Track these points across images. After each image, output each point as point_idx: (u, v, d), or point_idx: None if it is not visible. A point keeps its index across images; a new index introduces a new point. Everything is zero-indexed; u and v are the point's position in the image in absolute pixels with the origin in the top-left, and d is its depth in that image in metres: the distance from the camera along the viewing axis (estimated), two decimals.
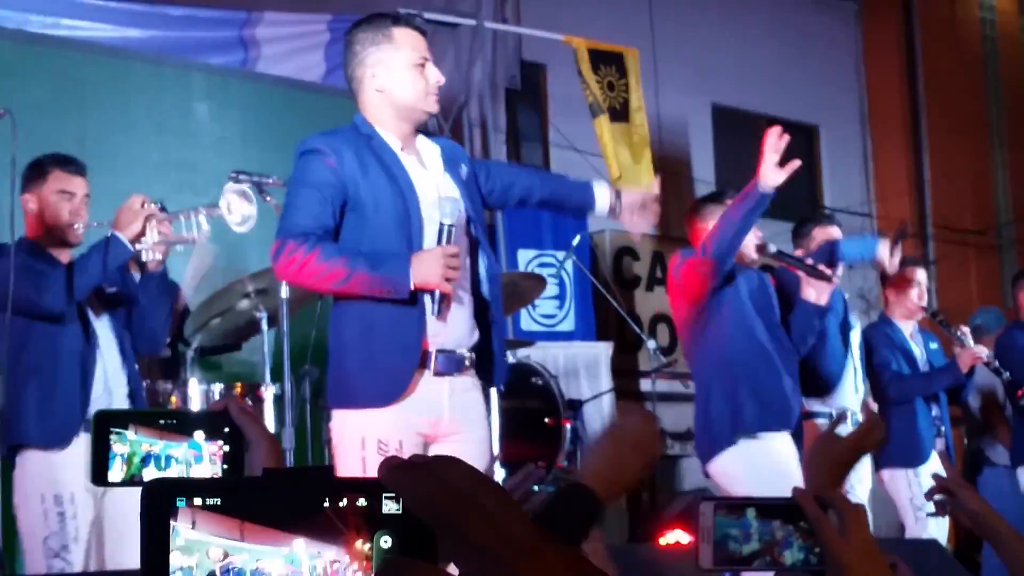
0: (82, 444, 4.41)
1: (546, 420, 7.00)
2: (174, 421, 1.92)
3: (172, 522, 1.16)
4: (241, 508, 1.18)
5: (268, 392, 5.59)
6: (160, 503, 1.17)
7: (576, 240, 7.97)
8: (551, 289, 8.32)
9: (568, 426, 7.03)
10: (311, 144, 3.74)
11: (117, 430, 1.89)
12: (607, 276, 9.52)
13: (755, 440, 4.98)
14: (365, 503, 1.19)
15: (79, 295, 4.51)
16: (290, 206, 3.72)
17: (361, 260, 3.58)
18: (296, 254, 3.58)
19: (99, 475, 1.90)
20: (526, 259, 9.15)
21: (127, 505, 4.48)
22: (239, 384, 5.88)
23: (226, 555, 1.17)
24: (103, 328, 4.73)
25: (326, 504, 1.19)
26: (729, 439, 4.96)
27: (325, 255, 3.58)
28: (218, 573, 1.17)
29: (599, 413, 8.59)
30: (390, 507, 1.19)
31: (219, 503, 1.18)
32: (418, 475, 1.16)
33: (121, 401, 4.64)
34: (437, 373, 3.66)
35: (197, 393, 5.47)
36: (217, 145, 7.31)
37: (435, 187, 3.75)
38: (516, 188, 4.03)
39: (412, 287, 3.54)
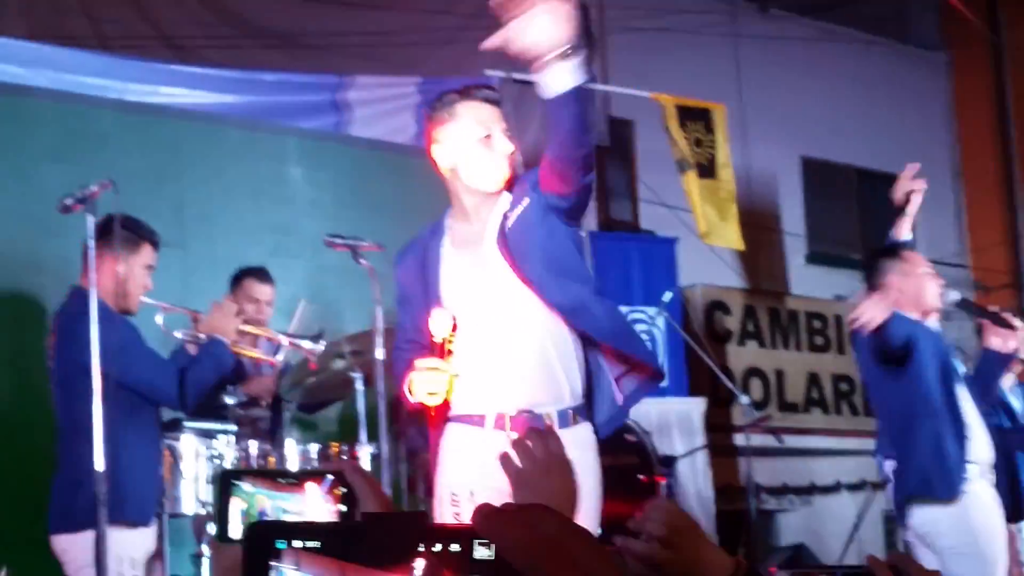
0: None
1: (640, 477, 6.98)
2: (292, 479, 1.98)
3: (275, 563, 1.21)
4: (340, 550, 1.23)
5: (364, 451, 5.65)
6: (262, 544, 1.22)
7: (668, 296, 7.99)
8: None
9: (663, 483, 7.00)
10: (401, 250, 3.95)
11: (236, 483, 1.95)
12: (699, 331, 9.50)
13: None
14: (458, 548, 1.23)
15: (191, 402, 4.65)
16: (398, 316, 3.96)
17: None
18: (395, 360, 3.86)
19: (223, 533, 1.94)
20: None
21: None
22: (335, 444, 5.93)
23: None
24: None
25: (421, 548, 1.22)
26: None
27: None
28: None
29: (692, 469, 8.55)
30: (482, 553, 1.22)
31: (319, 546, 1.23)
32: (510, 522, 1.20)
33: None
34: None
35: (295, 453, 5.53)
36: (311, 208, 7.42)
37: (470, 283, 3.75)
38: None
39: None
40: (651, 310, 8.80)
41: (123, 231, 4.71)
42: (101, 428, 4.15)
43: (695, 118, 9.25)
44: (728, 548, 7.35)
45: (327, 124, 8.14)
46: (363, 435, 5.77)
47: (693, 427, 8.69)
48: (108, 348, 4.24)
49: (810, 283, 11.49)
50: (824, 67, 12.13)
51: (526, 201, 3.70)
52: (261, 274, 6.04)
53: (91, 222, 4.12)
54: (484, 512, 1.21)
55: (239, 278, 5.99)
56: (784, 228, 11.66)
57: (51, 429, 4.73)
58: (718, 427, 9.32)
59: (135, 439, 4.61)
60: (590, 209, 10.07)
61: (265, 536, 1.23)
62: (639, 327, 8.59)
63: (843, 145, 12.15)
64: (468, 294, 3.71)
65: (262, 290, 5.99)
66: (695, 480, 8.56)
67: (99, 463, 4.13)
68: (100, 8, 8.71)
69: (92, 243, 4.12)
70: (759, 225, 11.04)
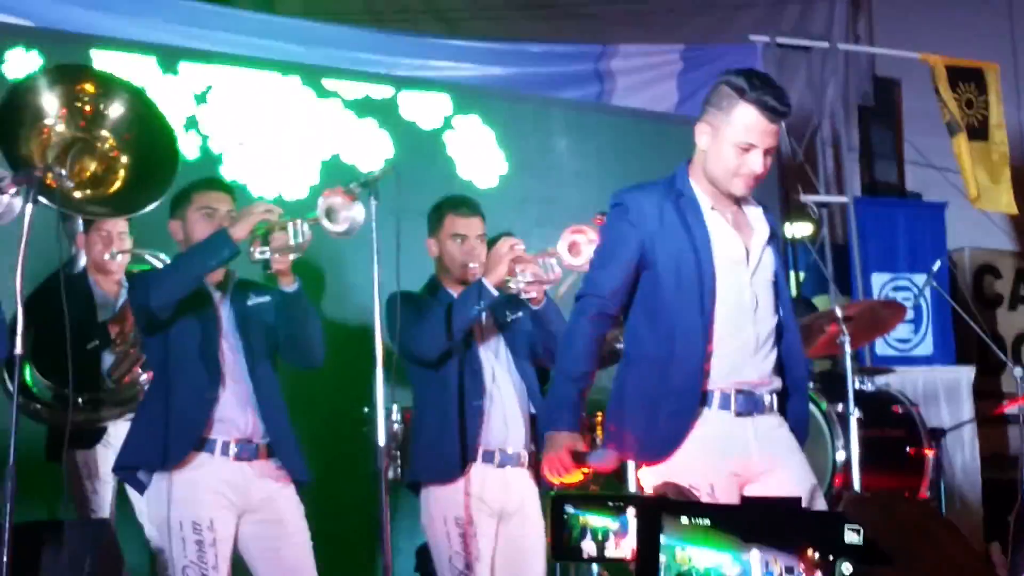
0: (478, 472, 4.72)
1: (907, 450, 6.88)
2: (618, 504, 2.13)
3: (663, 536, 1.38)
4: (727, 528, 1.37)
5: None
6: (652, 520, 1.38)
7: (937, 265, 7.79)
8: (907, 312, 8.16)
9: (930, 456, 6.89)
10: (618, 199, 3.88)
11: (565, 507, 2.13)
12: (967, 296, 9.25)
13: None
14: (828, 532, 1.33)
15: (445, 345, 4.75)
16: (594, 261, 3.93)
17: (563, 388, 3.80)
18: (574, 308, 3.85)
19: (558, 549, 2.13)
20: (880, 283, 9.00)
21: (525, 529, 4.77)
22: (600, 412, 6.03)
23: (690, 559, 1.35)
24: (493, 357, 4.93)
25: (800, 533, 1.34)
26: None
27: (578, 325, 3.80)
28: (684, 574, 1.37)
29: (958, 439, 8.37)
30: (851, 538, 1.32)
31: (708, 523, 1.38)
32: (875, 508, 1.29)
33: (519, 432, 4.83)
34: (738, 413, 3.71)
35: None
36: (575, 180, 7.53)
37: (741, 247, 3.78)
38: None
39: None
40: (916, 277, 8.63)
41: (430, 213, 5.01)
42: None
43: (966, 78, 8.99)
44: (996, 518, 7.15)
45: (590, 94, 8.24)
46: None
47: (960, 397, 8.49)
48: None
49: None
50: None
51: (769, 239, 3.89)
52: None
53: (373, 205, 4.29)
54: (853, 499, 1.31)
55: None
56: None
57: None
58: (986, 395, 9.07)
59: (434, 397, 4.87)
60: (853, 172, 9.95)
61: (655, 512, 1.36)
62: (903, 295, 8.45)
63: None
64: (732, 256, 3.76)
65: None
66: (962, 450, 8.38)
67: None
68: None
69: (374, 224, 4.28)
70: None
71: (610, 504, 2.12)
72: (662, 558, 1.37)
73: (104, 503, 5.26)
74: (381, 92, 7.27)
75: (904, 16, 10.25)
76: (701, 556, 1.37)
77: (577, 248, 4.59)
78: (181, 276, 4.30)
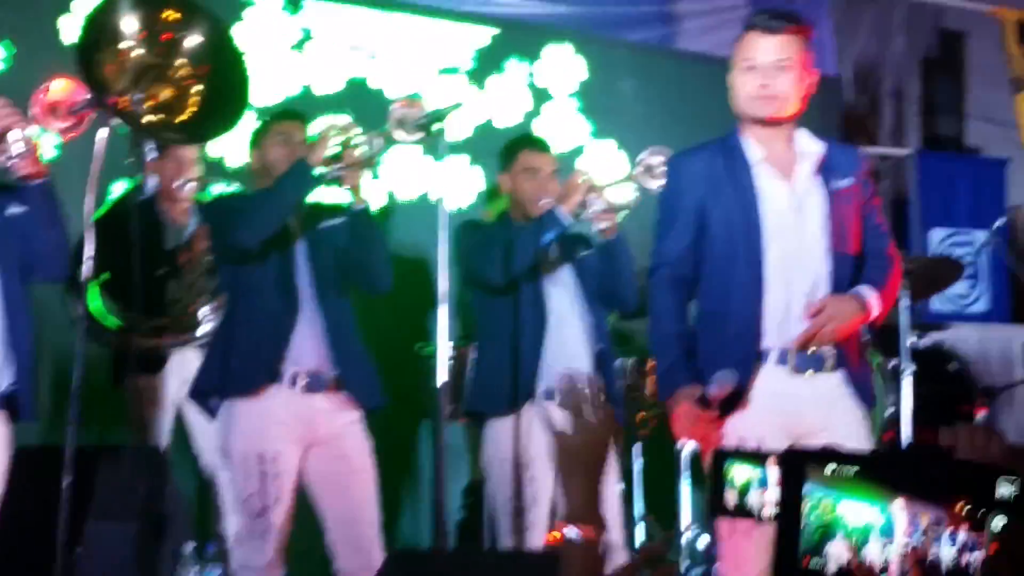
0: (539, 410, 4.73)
1: (959, 407, 6.85)
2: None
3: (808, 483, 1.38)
4: (875, 476, 1.36)
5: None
6: (796, 468, 1.39)
7: (998, 223, 7.69)
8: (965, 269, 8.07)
9: (982, 414, 6.85)
10: (671, 163, 3.94)
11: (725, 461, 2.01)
12: None
13: None
14: (980, 484, 1.29)
15: (515, 272, 4.74)
16: (658, 229, 3.90)
17: (666, 351, 3.76)
18: (650, 281, 3.84)
19: (716, 505, 2.01)
20: (939, 238, 8.91)
21: None
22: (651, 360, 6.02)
23: (835, 507, 1.36)
24: (560, 291, 4.93)
25: (952, 484, 1.31)
26: None
27: (656, 297, 3.80)
28: (828, 523, 1.37)
29: (1011, 399, 8.32)
30: (1006, 490, 1.28)
31: (855, 471, 1.37)
32: None
33: (582, 367, 4.81)
34: (796, 370, 3.68)
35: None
36: (640, 122, 7.47)
37: (787, 196, 3.74)
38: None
39: None
40: (976, 233, 8.53)
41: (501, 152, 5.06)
42: None
43: None
44: None
45: (654, 36, 8.14)
46: None
47: (1014, 355, 8.42)
48: None
49: None
50: None
51: (851, 181, 3.78)
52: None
53: (443, 142, 4.28)
54: (1009, 450, 1.27)
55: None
56: None
57: None
58: None
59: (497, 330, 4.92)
60: (913, 125, 9.83)
61: (800, 461, 1.35)
62: (963, 251, 8.37)
63: None
64: (780, 224, 3.71)
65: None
66: (1012, 411, 8.32)
67: None
68: None
69: (443, 160, 4.26)
70: None
71: (754, 457, 2.05)
72: (805, 507, 1.36)
73: (163, 430, 5.30)
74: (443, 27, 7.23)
75: None
76: (846, 506, 1.35)
77: (654, 171, 4.57)
78: (267, 214, 4.28)
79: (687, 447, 5.73)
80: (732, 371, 3.61)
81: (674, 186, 3.86)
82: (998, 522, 1.26)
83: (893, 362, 6.28)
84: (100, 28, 3.98)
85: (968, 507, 1.28)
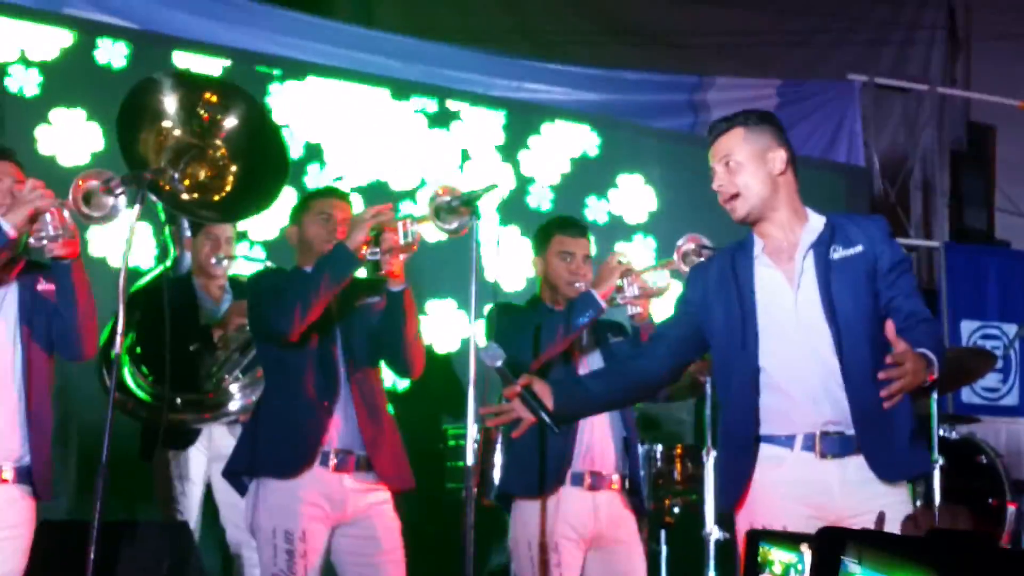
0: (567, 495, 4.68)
1: (989, 500, 6.78)
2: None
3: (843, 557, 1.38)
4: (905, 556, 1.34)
5: (710, 457, 5.69)
6: (831, 546, 1.39)
7: None
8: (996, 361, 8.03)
9: (1012, 509, 6.78)
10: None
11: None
12: None
13: None
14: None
15: (546, 355, 4.72)
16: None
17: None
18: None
19: None
20: (969, 330, 8.88)
21: (616, 555, 4.76)
22: (679, 446, 6.00)
23: None
24: None
25: (984, 564, 1.30)
26: None
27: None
28: None
29: None
30: None
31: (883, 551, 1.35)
32: None
33: (609, 454, 4.80)
34: (823, 455, 3.60)
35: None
36: (666, 209, 7.51)
37: (790, 282, 3.67)
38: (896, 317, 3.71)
39: None
40: (1007, 328, 8.50)
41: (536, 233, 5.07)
42: None
43: None
44: None
45: (683, 124, 8.22)
46: (709, 439, 5.79)
47: None
48: None
49: None
50: None
51: (860, 249, 3.68)
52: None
53: (477, 225, 4.28)
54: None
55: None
56: None
57: None
58: None
59: None
60: (942, 217, 9.85)
61: (836, 541, 1.34)
62: (992, 343, 8.33)
63: None
64: (778, 306, 3.66)
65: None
66: None
67: None
68: (469, 1, 9.06)
69: (474, 244, 4.27)
70: None
71: (788, 539, 1.99)
72: None
73: (193, 504, 5.29)
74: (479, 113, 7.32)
75: (1002, 62, 10.13)
76: None
77: (689, 258, 4.58)
78: (308, 300, 4.26)
79: (714, 533, 5.68)
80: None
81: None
82: None
83: None
84: (141, 106, 4.04)
85: None
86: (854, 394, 3.59)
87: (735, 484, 3.65)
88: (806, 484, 3.59)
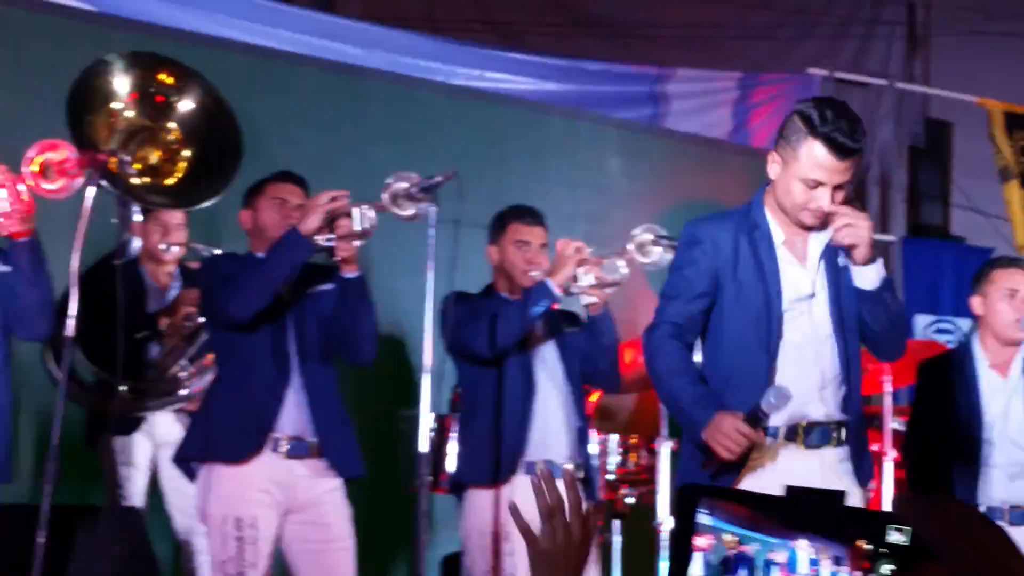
0: (520, 485, 4.63)
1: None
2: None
3: (698, 511, 1.41)
4: (758, 508, 1.40)
5: (665, 447, 5.69)
6: (688, 502, 1.41)
7: None
8: None
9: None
10: (692, 229, 3.79)
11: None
12: None
13: None
14: (872, 528, 1.34)
15: (502, 343, 4.70)
16: (665, 291, 3.82)
17: (686, 393, 3.64)
18: (648, 340, 3.74)
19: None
20: (924, 324, 8.95)
21: None
22: (635, 436, 6.00)
23: (739, 542, 1.34)
24: (543, 366, 4.88)
25: (839, 525, 1.35)
26: None
27: (659, 352, 3.71)
28: (731, 558, 1.36)
29: None
30: (895, 537, 1.32)
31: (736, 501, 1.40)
32: (922, 508, 1.27)
33: (562, 443, 4.78)
34: (807, 446, 3.66)
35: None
36: (626, 200, 7.51)
37: (809, 283, 3.70)
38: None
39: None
40: (961, 322, 8.57)
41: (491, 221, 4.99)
42: None
43: (1023, 125, 8.94)
44: None
45: (643, 115, 8.24)
46: (665, 429, 5.77)
47: None
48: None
49: None
50: None
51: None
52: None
53: (433, 212, 4.22)
54: (900, 498, 1.29)
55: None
56: None
57: None
58: None
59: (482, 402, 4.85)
60: (899, 211, 9.90)
61: (692, 497, 1.36)
62: (946, 338, 8.38)
63: None
64: (799, 310, 3.68)
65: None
66: None
67: None
68: None
69: (433, 232, 4.23)
70: None
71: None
72: (711, 540, 1.37)
73: (138, 490, 5.26)
74: (434, 100, 7.28)
75: (960, 59, 10.20)
76: (749, 541, 1.36)
77: (646, 248, 4.55)
78: (262, 286, 4.23)
79: (667, 523, 5.69)
80: (786, 388, 3.51)
81: (694, 251, 3.74)
82: (886, 568, 1.31)
83: (875, 447, 6.27)
84: (92, 87, 4.00)
85: (869, 546, 1.33)
86: (851, 393, 3.70)
87: (719, 471, 3.62)
88: (788, 474, 3.58)
